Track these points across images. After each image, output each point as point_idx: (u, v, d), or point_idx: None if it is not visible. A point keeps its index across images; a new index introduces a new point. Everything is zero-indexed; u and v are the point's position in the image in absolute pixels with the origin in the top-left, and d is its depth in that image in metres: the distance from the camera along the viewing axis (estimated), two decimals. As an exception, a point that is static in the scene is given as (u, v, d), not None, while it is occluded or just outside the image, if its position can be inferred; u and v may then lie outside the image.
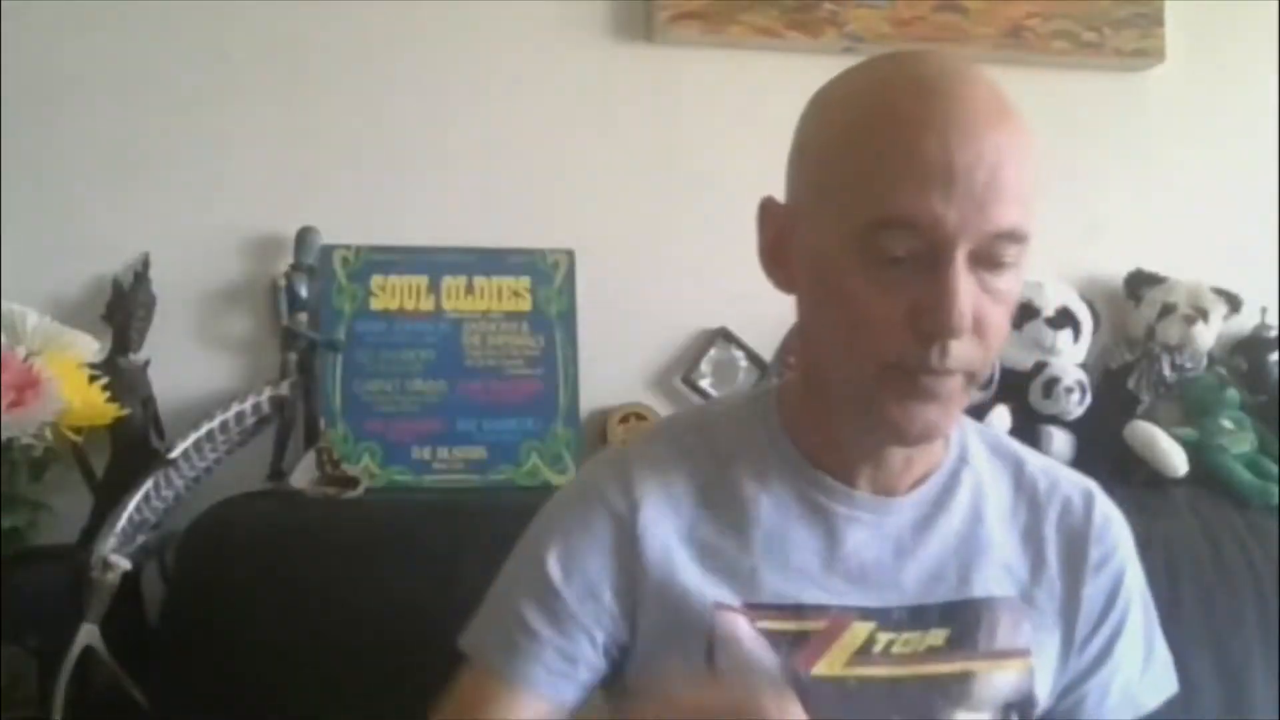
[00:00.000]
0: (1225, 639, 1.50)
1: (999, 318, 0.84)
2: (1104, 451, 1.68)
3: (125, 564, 1.33)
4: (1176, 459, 1.67)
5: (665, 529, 0.90)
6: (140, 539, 1.39)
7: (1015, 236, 0.81)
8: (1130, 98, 1.87)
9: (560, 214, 1.67)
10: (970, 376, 0.85)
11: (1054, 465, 1.03)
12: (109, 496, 1.41)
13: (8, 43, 1.50)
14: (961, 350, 0.82)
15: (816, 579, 0.89)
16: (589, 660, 0.90)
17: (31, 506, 1.37)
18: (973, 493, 0.95)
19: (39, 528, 1.39)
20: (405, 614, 1.31)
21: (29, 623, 1.31)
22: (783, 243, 0.89)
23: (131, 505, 1.38)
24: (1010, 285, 0.84)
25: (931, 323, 0.80)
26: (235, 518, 1.42)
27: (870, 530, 0.91)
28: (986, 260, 0.81)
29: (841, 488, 0.91)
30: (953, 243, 0.79)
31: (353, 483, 1.47)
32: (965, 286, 0.80)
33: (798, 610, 0.89)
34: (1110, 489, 1.61)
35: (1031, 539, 0.95)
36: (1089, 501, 0.99)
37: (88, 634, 1.30)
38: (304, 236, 1.56)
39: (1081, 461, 1.67)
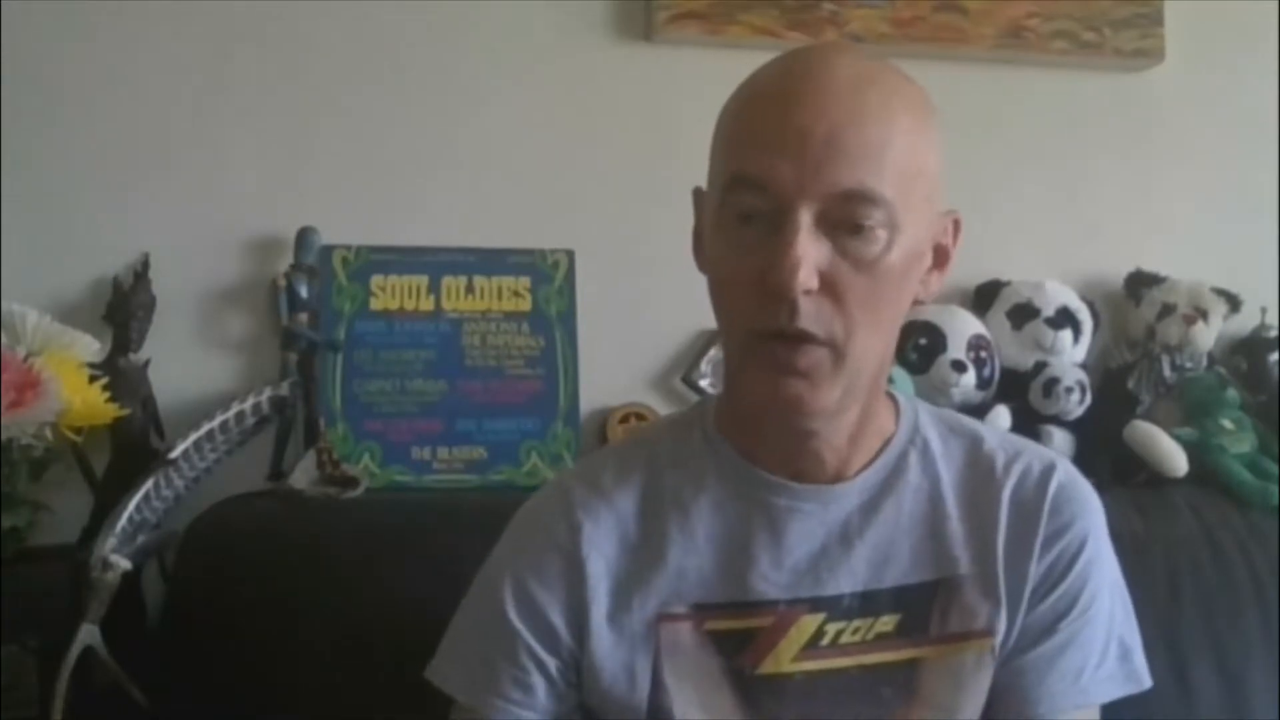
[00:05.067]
0: (1225, 639, 1.50)
1: (863, 287, 0.83)
2: (1104, 451, 1.68)
3: (125, 564, 1.33)
4: (1176, 459, 1.67)
5: (607, 549, 0.92)
6: (140, 539, 1.39)
7: (866, 197, 0.82)
8: (1130, 98, 1.87)
9: (560, 214, 1.67)
10: (836, 351, 0.84)
11: (1021, 442, 1.00)
12: (109, 496, 1.41)
13: (8, 43, 1.50)
14: (812, 313, 0.82)
15: (764, 574, 0.90)
16: (545, 688, 0.92)
17: (31, 506, 1.37)
18: (923, 472, 0.94)
19: (39, 528, 1.39)
20: (405, 614, 1.31)
21: (29, 623, 1.31)
22: (701, 230, 0.94)
23: (131, 505, 1.38)
24: (877, 253, 0.83)
25: (774, 279, 0.81)
26: (235, 518, 1.42)
27: (814, 519, 0.91)
28: (840, 223, 0.82)
29: (779, 481, 0.91)
30: (792, 201, 0.81)
31: (353, 483, 1.47)
32: (808, 245, 0.81)
33: (746, 608, 0.89)
34: (1110, 489, 1.63)
35: (982, 512, 0.93)
36: (1047, 473, 0.95)
37: (88, 634, 1.30)
38: (304, 236, 1.56)
39: (1081, 461, 1.66)
